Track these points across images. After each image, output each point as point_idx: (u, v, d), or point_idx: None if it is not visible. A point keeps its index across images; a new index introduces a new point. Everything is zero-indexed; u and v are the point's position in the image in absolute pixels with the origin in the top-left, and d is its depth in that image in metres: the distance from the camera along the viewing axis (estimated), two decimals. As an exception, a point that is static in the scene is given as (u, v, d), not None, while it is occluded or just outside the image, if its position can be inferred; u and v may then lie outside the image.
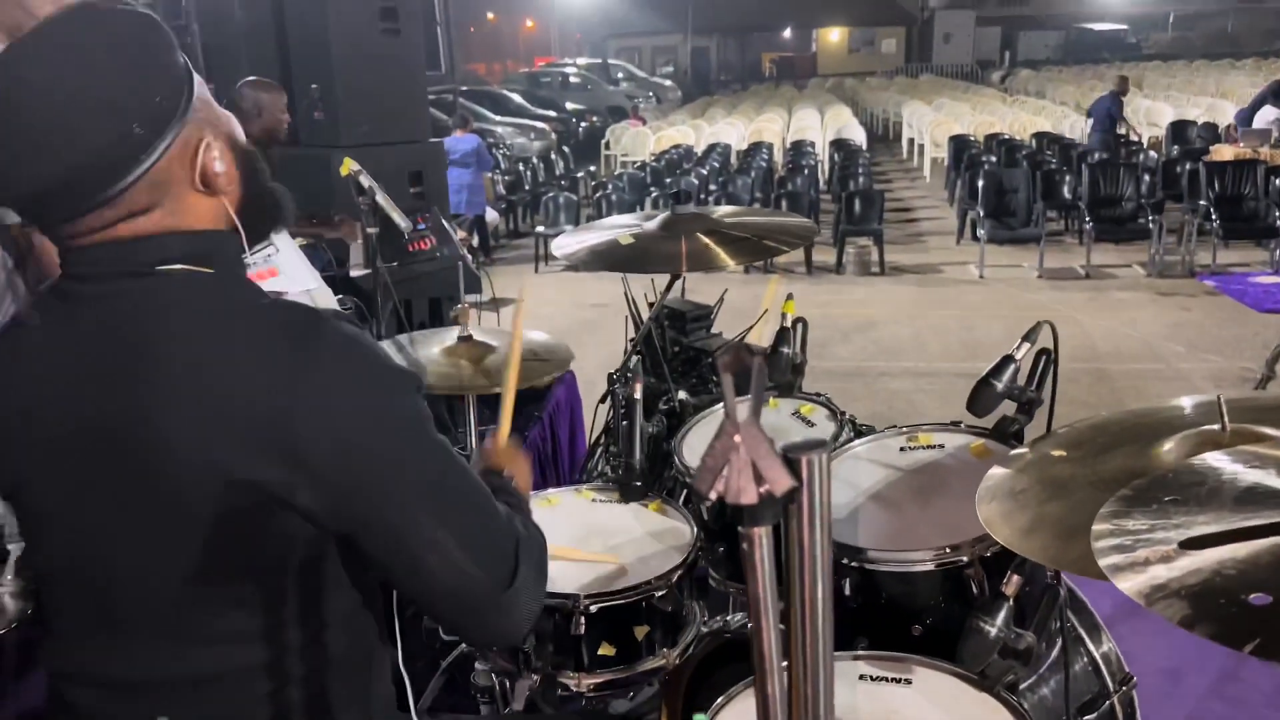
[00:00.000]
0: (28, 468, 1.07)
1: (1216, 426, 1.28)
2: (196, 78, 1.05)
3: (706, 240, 1.99)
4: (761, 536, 0.54)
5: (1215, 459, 1.06)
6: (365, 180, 2.32)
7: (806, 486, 0.55)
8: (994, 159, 11.17)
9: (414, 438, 1.05)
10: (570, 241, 2.16)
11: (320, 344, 1.01)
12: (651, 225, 2.10)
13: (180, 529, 1.00)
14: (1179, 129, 12.90)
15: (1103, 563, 0.91)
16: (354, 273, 3.43)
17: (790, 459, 0.55)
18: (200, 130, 1.03)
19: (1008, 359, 1.67)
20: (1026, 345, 1.69)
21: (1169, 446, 1.29)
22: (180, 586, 1.03)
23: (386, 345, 2.41)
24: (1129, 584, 0.87)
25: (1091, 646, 1.71)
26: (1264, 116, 11.09)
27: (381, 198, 2.35)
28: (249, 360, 0.99)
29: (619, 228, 2.15)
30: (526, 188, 11.88)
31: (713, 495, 0.52)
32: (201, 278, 1.04)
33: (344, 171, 2.31)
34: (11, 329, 1.11)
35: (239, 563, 1.02)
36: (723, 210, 2.22)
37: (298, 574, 1.05)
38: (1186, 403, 1.45)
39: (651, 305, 2.57)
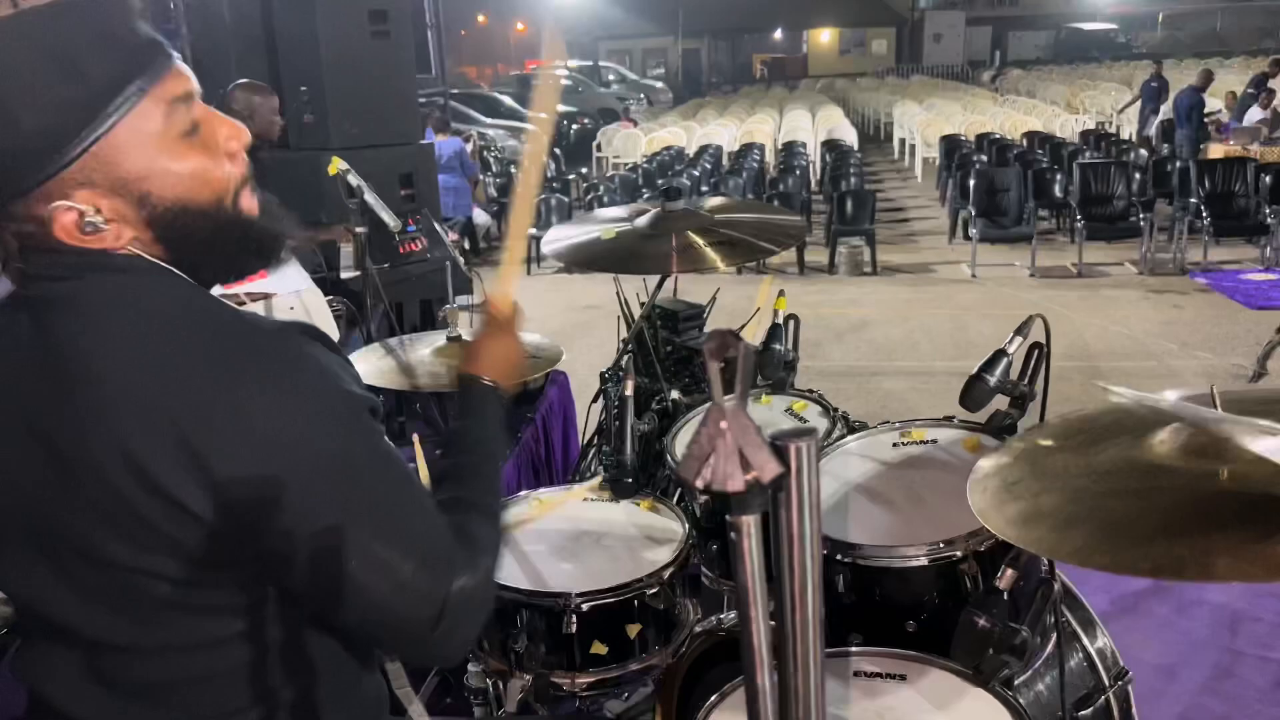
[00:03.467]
0: None
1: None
2: (105, 133, 0.95)
3: (697, 239, 1.98)
4: (750, 525, 0.53)
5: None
6: (353, 179, 2.31)
7: (795, 474, 0.54)
8: (985, 158, 11.19)
9: (346, 460, 0.97)
10: (558, 237, 2.15)
11: (244, 353, 0.96)
12: (641, 222, 2.09)
13: (115, 541, 0.96)
14: (1169, 127, 12.94)
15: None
16: (344, 274, 3.41)
17: (778, 446, 0.54)
18: (72, 191, 0.95)
19: (1000, 353, 1.67)
20: (1019, 339, 1.68)
21: (1162, 437, 1.28)
22: (129, 601, 0.99)
23: (378, 347, 2.40)
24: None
25: (1086, 641, 1.71)
26: (1252, 116, 11.15)
27: (370, 197, 2.33)
28: (164, 366, 0.94)
29: (609, 221, 2.14)
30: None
31: (698, 483, 0.52)
32: (139, 276, 1.00)
33: (332, 171, 2.30)
34: None
35: (175, 577, 0.98)
36: (713, 203, 2.21)
37: (248, 588, 1.01)
38: (1179, 395, 1.44)
39: (644, 306, 2.56)
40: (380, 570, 0.96)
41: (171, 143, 0.99)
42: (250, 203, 1.08)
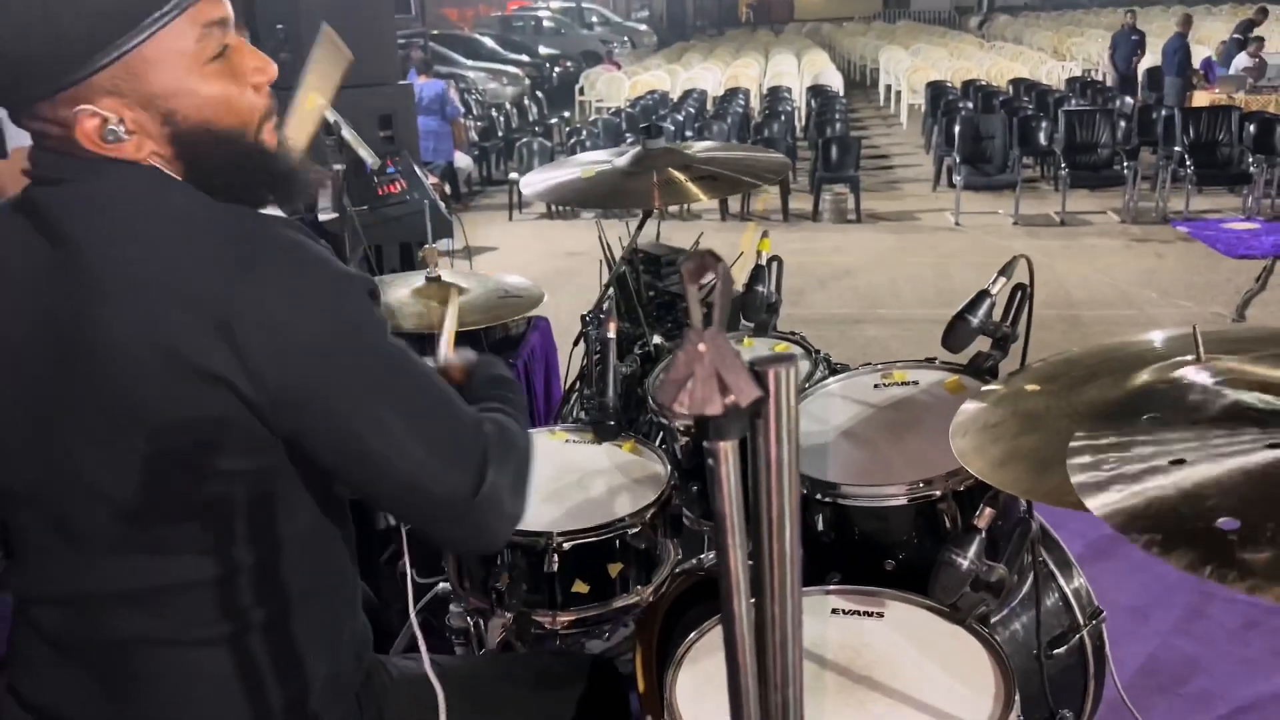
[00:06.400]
0: None
1: (1191, 358, 1.27)
2: (136, 46, 0.96)
3: (678, 175, 1.96)
4: (727, 451, 0.52)
5: (1190, 373, 1.06)
6: (330, 115, 2.25)
7: (774, 399, 0.53)
8: (971, 105, 11.11)
9: (359, 333, 1.03)
10: (539, 178, 2.12)
11: (261, 245, 1.01)
12: (622, 161, 2.06)
13: (132, 431, 0.99)
14: (1154, 75, 12.87)
15: (1077, 481, 0.90)
16: (322, 216, 3.35)
17: (758, 372, 0.53)
18: (98, 98, 0.97)
19: (983, 294, 1.66)
20: (1002, 280, 1.67)
21: (1144, 378, 1.28)
22: (134, 494, 1.02)
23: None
24: (1100, 504, 0.86)
25: (1062, 581, 1.73)
26: (1238, 63, 11.11)
27: (348, 133, 2.27)
28: (191, 257, 0.99)
29: (590, 164, 2.11)
30: (500, 134, 11.73)
31: (676, 407, 0.50)
32: (148, 177, 1.02)
33: (309, 107, 2.24)
34: None
35: (190, 469, 1.01)
36: (697, 146, 2.18)
37: (249, 488, 1.04)
38: (1158, 336, 1.45)
39: (625, 248, 2.54)
40: (400, 450, 1.02)
41: (201, 65, 1.01)
42: (271, 137, 1.10)
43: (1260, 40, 11.26)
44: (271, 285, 0.98)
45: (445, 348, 1.44)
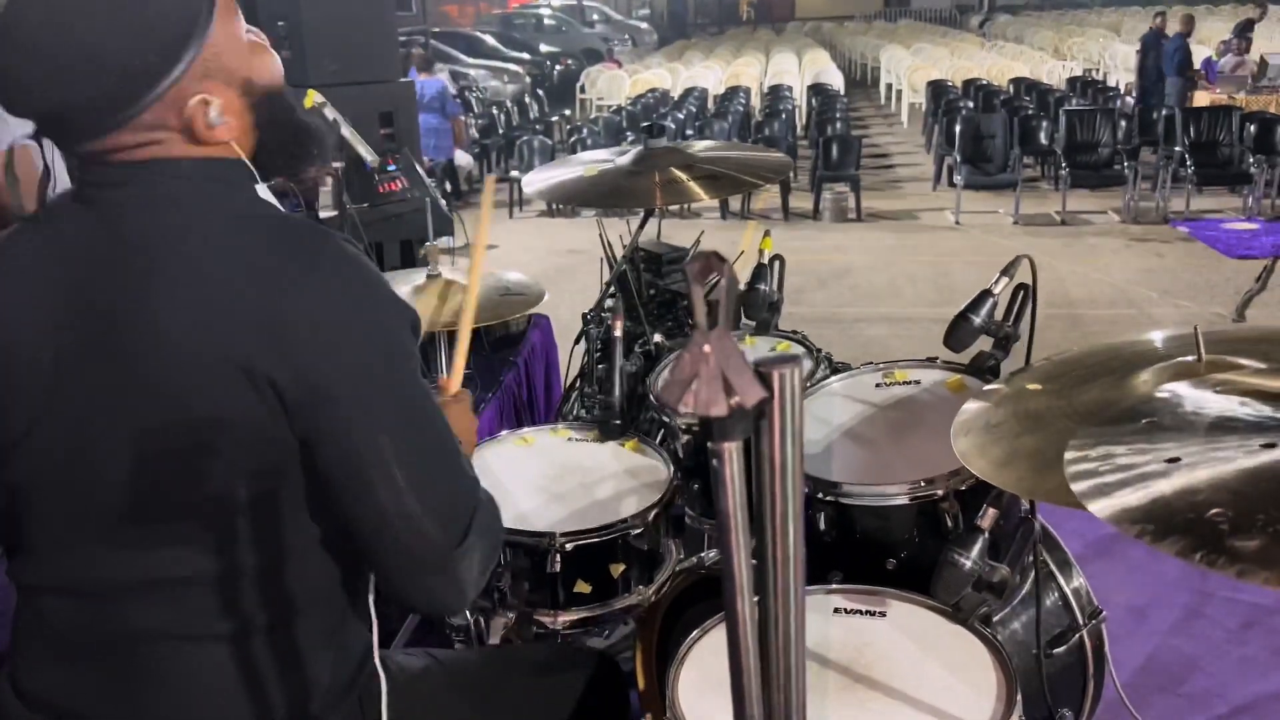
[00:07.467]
0: (22, 368, 1.05)
1: (1192, 358, 1.27)
2: (212, 24, 1.02)
3: (680, 174, 1.96)
4: (732, 452, 0.52)
5: (1184, 388, 1.06)
6: (330, 113, 2.25)
7: (778, 400, 0.53)
8: (971, 105, 11.10)
9: (395, 362, 1.05)
10: (540, 177, 2.11)
11: (322, 253, 1.04)
12: (624, 160, 2.06)
13: (166, 422, 1.01)
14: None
15: (1073, 479, 0.90)
16: (323, 214, 3.36)
17: (762, 373, 0.53)
18: (199, 84, 1.03)
19: (986, 293, 1.66)
20: (1005, 280, 1.67)
21: (1145, 378, 1.28)
22: (151, 485, 1.03)
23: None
24: (1096, 503, 0.86)
25: (1063, 581, 1.73)
26: (1225, 63, 11.12)
27: (347, 131, 2.28)
28: (251, 261, 1.02)
29: (592, 163, 2.11)
30: (500, 131, 11.71)
31: (681, 408, 0.50)
32: (211, 186, 1.06)
33: (308, 104, 2.23)
34: (16, 229, 1.12)
35: (210, 465, 1.02)
36: (698, 145, 2.18)
37: (264, 491, 1.04)
38: (1159, 336, 1.45)
39: (626, 247, 2.54)
40: (395, 493, 1.02)
41: (245, 39, 1.09)
42: None
43: (1249, 40, 11.26)
44: (326, 288, 1.01)
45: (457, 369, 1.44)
